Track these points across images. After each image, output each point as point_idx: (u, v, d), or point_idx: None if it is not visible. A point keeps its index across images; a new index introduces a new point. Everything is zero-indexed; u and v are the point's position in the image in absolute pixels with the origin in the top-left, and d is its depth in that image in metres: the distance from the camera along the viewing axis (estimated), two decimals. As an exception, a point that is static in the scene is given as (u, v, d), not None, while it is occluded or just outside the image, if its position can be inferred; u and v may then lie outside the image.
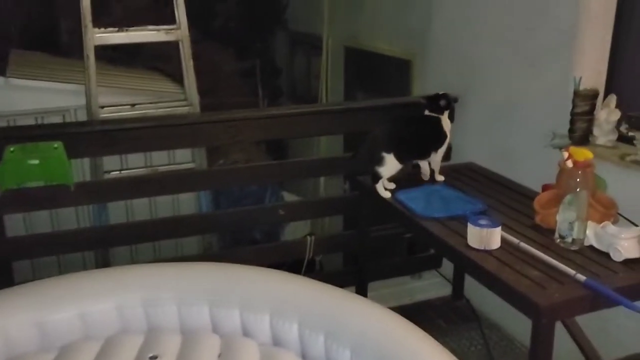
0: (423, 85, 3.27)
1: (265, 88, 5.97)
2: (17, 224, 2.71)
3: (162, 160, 3.24)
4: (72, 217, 3.56)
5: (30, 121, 3.60)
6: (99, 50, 2.70)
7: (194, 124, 2.53)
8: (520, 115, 2.64)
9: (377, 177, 2.26)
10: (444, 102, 2.32)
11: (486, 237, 1.87)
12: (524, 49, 2.58)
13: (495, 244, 1.88)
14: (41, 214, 3.13)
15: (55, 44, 5.26)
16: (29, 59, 4.58)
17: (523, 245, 1.88)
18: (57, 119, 3.68)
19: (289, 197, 4.94)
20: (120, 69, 4.96)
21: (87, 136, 2.35)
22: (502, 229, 1.91)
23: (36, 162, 2.19)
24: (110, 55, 5.14)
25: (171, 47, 2.93)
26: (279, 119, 2.63)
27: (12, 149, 2.23)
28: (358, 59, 4.22)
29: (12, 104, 3.30)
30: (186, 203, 3.86)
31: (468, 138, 2.88)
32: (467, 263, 1.88)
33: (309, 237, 2.85)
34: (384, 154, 2.20)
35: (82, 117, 3.68)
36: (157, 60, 5.13)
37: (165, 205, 3.78)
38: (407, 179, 2.36)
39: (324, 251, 3.05)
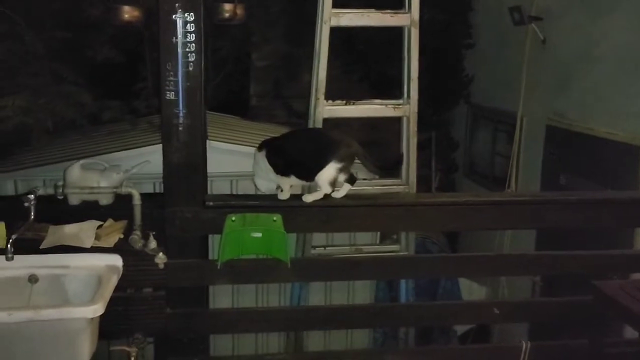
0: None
1: (439, 161, 5.75)
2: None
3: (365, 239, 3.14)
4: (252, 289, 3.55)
5: (225, 183, 3.64)
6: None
7: (405, 205, 2.32)
8: None
9: None
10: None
11: None
12: None
13: None
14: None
15: (244, 107, 5.49)
16: (221, 121, 4.75)
17: None
18: (248, 183, 3.69)
19: (464, 282, 4.58)
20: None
21: (305, 211, 2.22)
22: None
23: (259, 235, 2.09)
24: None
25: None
26: (519, 207, 2.32)
27: (233, 218, 2.17)
28: (564, 141, 3.81)
29: (210, 166, 3.34)
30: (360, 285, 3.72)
31: None
32: None
33: (524, 343, 2.47)
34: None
35: (274, 181, 3.69)
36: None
37: (341, 286, 3.66)
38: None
39: (543, 362, 2.64)
